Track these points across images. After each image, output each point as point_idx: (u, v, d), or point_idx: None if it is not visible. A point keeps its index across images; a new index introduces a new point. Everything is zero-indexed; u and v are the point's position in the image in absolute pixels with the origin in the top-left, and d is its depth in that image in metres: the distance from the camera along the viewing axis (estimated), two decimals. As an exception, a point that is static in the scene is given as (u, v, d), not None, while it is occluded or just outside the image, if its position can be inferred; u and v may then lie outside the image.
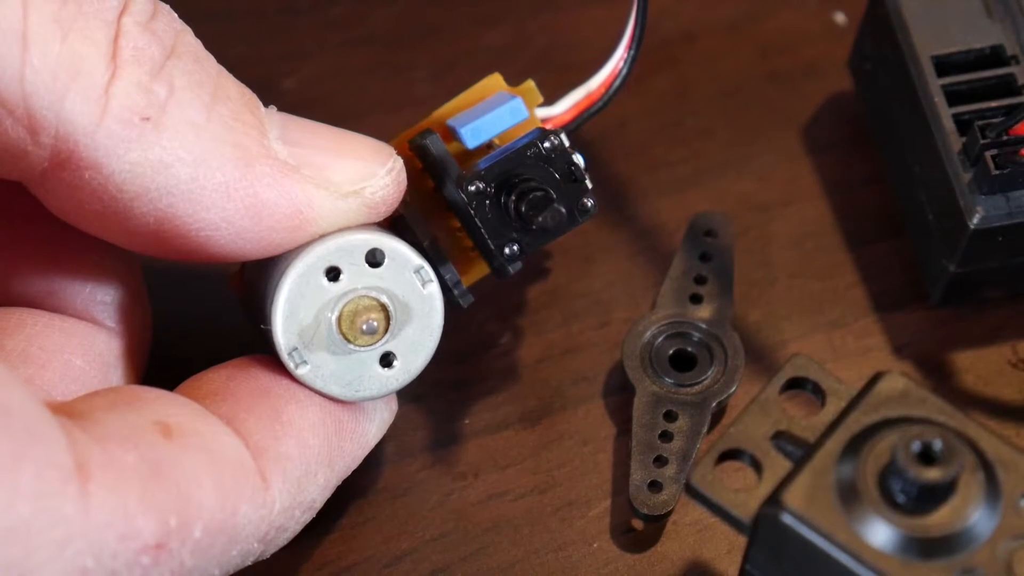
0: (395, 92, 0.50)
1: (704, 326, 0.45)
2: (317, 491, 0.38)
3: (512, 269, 0.41)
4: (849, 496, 0.35)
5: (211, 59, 0.38)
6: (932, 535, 0.35)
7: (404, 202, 0.40)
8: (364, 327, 0.38)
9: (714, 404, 0.44)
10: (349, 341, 0.38)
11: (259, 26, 0.50)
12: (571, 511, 0.43)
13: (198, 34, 0.39)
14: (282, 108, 0.43)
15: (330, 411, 0.39)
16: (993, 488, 0.35)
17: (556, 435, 0.44)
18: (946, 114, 0.44)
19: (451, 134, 0.41)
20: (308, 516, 0.39)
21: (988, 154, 0.43)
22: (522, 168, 0.40)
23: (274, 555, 0.42)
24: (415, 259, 0.39)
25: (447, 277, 0.41)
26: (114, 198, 0.37)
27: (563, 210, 0.39)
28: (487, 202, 0.40)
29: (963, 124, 0.44)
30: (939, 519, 0.35)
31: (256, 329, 0.40)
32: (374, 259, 0.39)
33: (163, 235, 0.37)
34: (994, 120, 0.43)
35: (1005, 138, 0.43)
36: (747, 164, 0.49)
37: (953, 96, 0.44)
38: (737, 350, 0.44)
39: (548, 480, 0.44)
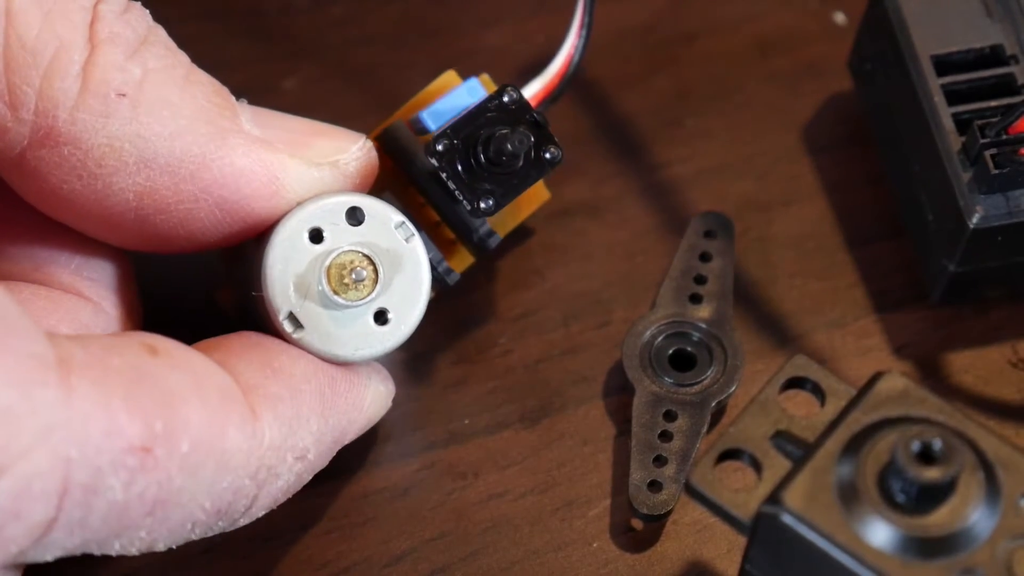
0: (395, 92, 0.50)
1: (704, 326, 0.45)
2: (310, 439, 0.38)
3: (492, 242, 0.42)
4: (849, 496, 0.35)
5: (182, 52, 0.39)
6: (932, 535, 0.35)
7: (379, 189, 0.41)
8: (353, 276, 0.39)
9: (714, 404, 0.44)
10: (339, 296, 0.39)
11: (259, 26, 0.50)
12: (571, 511, 0.43)
13: (197, 34, 0.40)
14: (282, 108, 0.43)
15: (322, 366, 0.39)
16: (993, 488, 0.35)
17: (556, 435, 0.44)
18: (946, 114, 0.44)
19: (414, 127, 0.42)
20: (302, 468, 0.38)
21: (988, 153, 0.43)
22: (485, 123, 0.40)
23: (274, 555, 0.42)
24: (395, 215, 0.40)
25: (429, 255, 0.41)
26: (93, 174, 0.37)
27: (530, 136, 0.40)
28: (456, 160, 0.40)
29: (963, 124, 0.44)
30: (939, 519, 0.35)
31: (247, 320, 0.40)
32: (355, 218, 0.39)
33: (144, 213, 0.38)
34: (994, 120, 0.43)
35: (1004, 137, 0.43)
36: (747, 164, 0.49)
37: (953, 96, 0.44)
38: (737, 350, 0.44)
39: (548, 480, 0.44)
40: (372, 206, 0.40)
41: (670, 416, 0.43)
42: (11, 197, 0.40)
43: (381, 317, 0.39)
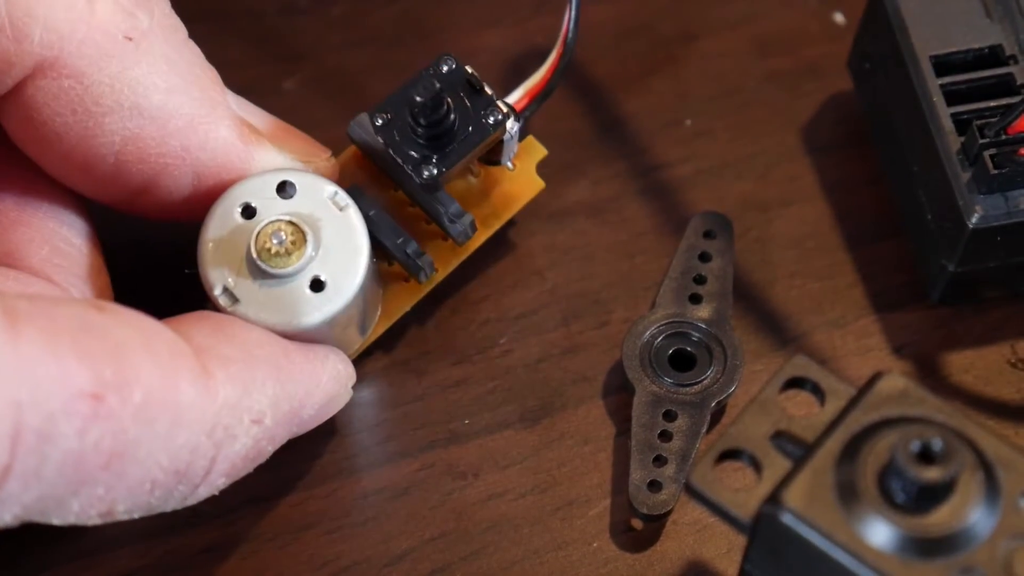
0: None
1: (704, 326, 0.45)
2: (266, 402, 0.38)
3: (460, 232, 0.42)
4: (849, 495, 0.35)
5: (179, 20, 0.40)
6: (931, 535, 0.35)
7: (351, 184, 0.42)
8: (274, 240, 0.39)
9: (713, 404, 0.44)
10: (267, 264, 0.39)
11: (259, 26, 0.50)
12: (571, 511, 0.43)
13: (198, 34, 0.40)
14: (282, 108, 0.43)
15: (274, 337, 0.39)
16: (992, 487, 0.35)
17: (556, 435, 0.44)
18: (945, 114, 0.44)
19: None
20: (259, 433, 0.38)
21: (987, 154, 0.43)
22: (422, 93, 0.40)
23: (274, 555, 0.42)
24: (328, 186, 0.40)
25: (399, 242, 0.42)
26: (88, 111, 0.38)
27: (435, 83, 0.40)
28: (395, 132, 0.41)
29: (962, 124, 0.44)
30: (938, 519, 0.35)
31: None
32: (285, 192, 0.40)
33: (124, 159, 0.39)
34: (993, 120, 0.43)
35: (1004, 137, 0.43)
36: (747, 164, 0.49)
37: (952, 96, 0.44)
38: (736, 350, 0.44)
39: (548, 480, 0.44)
40: (303, 179, 0.40)
41: (670, 416, 0.43)
42: None
43: (317, 285, 0.39)
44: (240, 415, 0.37)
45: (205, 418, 0.36)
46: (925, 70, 0.44)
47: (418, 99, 0.40)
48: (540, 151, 0.45)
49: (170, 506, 0.37)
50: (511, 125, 0.42)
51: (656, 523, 0.43)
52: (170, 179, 0.40)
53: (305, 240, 0.39)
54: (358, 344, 0.43)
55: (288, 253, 0.39)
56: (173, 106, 0.39)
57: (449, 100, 0.41)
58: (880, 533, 0.35)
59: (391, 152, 0.41)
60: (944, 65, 0.45)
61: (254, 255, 0.39)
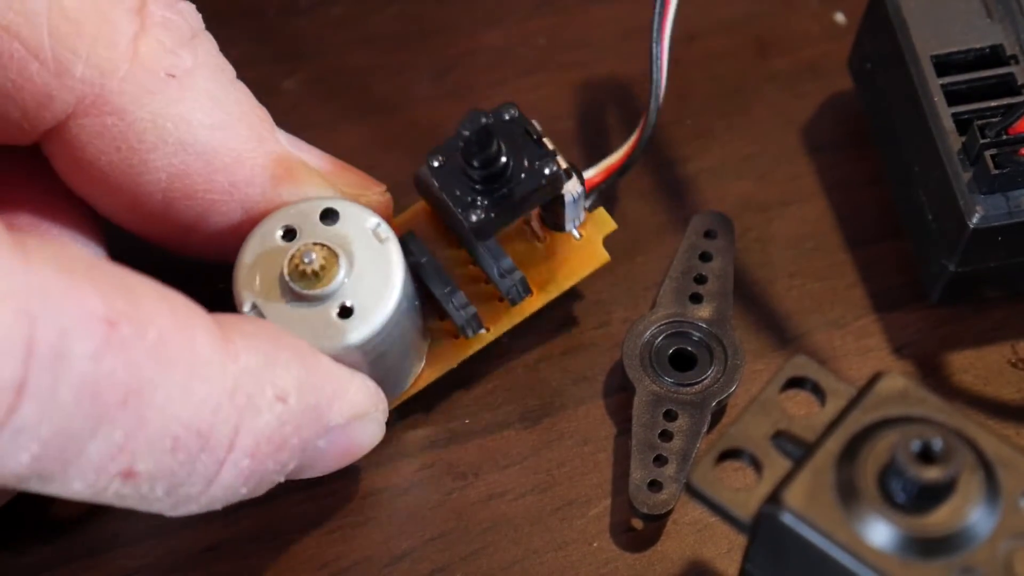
0: (395, 92, 0.50)
1: (704, 326, 0.45)
2: (291, 381, 0.37)
3: (513, 292, 0.42)
4: (849, 495, 0.35)
5: (227, 61, 0.40)
6: (932, 534, 0.35)
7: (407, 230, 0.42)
8: (305, 259, 0.39)
9: (714, 403, 0.44)
10: (297, 285, 0.39)
11: (259, 26, 0.51)
12: (571, 510, 0.43)
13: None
14: (282, 108, 0.43)
15: (302, 341, 0.39)
16: (993, 487, 0.35)
17: (556, 435, 0.44)
18: (946, 114, 0.44)
19: None
20: (284, 412, 0.37)
21: (988, 153, 0.43)
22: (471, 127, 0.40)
23: (274, 555, 0.42)
24: (372, 217, 0.40)
25: (446, 291, 0.41)
26: (132, 148, 0.38)
27: (483, 119, 0.39)
28: (452, 176, 0.40)
29: (963, 124, 0.44)
30: (939, 518, 0.35)
31: None
32: (329, 219, 0.40)
33: (171, 196, 0.39)
34: (993, 120, 0.43)
35: (1004, 137, 0.43)
36: (747, 164, 0.49)
37: (953, 96, 0.44)
38: (737, 349, 0.44)
39: (548, 480, 0.44)
40: (349, 208, 0.40)
41: (670, 416, 0.43)
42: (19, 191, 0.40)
43: (345, 312, 0.39)
44: (263, 386, 0.37)
45: (225, 377, 0.36)
46: (926, 70, 0.44)
47: (464, 133, 0.39)
48: (609, 225, 0.44)
49: (195, 486, 0.36)
50: (574, 187, 0.42)
51: (656, 523, 0.43)
52: (219, 216, 0.40)
53: (338, 265, 0.39)
54: (394, 395, 0.42)
55: (318, 276, 0.39)
56: (218, 142, 0.39)
57: (502, 143, 0.40)
58: (880, 533, 0.35)
59: (444, 195, 0.40)
60: (945, 65, 0.45)
61: (286, 275, 0.39)
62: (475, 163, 0.40)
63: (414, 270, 0.41)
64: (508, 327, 0.43)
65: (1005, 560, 0.35)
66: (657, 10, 0.44)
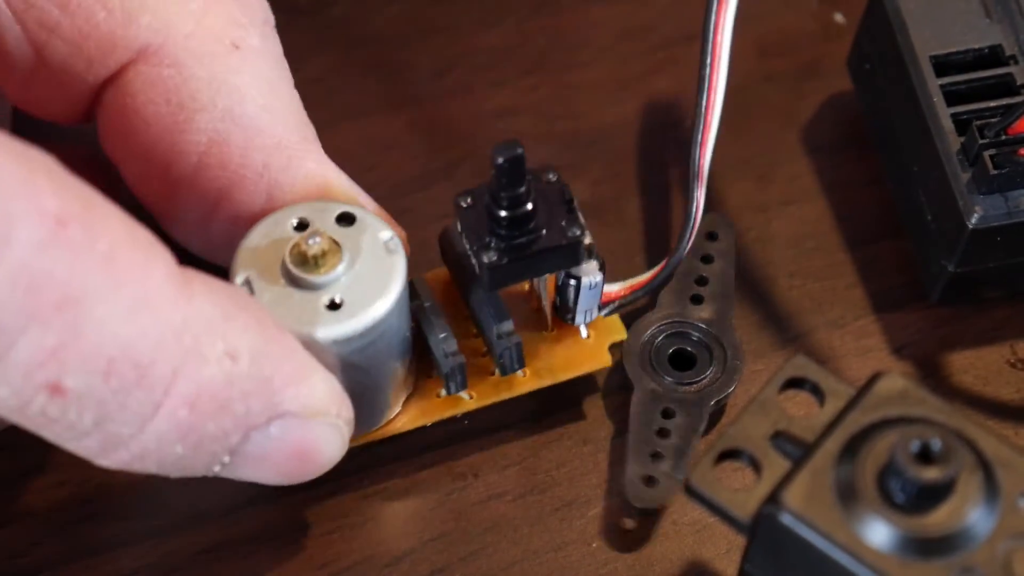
0: (395, 92, 0.50)
1: (704, 326, 0.45)
2: (244, 343, 0.36)
3: (508, 359, 0.41)
4: (848, 496, 0.35)
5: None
6: (931, 535, 0.35)
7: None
8: (309, 241, 0.38)
9: (712, 403, 0.44)
10: (295, 267, 0.38)
11: (259, 26, 0.50)
12: (570, 511, 0.43)
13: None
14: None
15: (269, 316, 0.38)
16: (992, 488, 0.35)
17: (556, 435, 0.44)
18: (945, 114, 0.44)
19: None
20: (232, 369, 0.36)
21: (987, 154, 0.43)
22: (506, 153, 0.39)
23: (274, 555, 0.42)
24: (386, 231, 0.40)
25: (441, 337, 0.41)
26: (182, 103, 0.39)
27: (518, 149, 0.39)
28: (473, 217, 0.40)
29: (962, 124, 0.44)
30: (938, 519, 0.35)
31: None
32: (344, 221, 0.39)
33: (205, 162, 0.39)
34: (992, 120, 0.43)
35: (1003, 138, 0.43)
36: (747, 164, 0.49)
37: (952, 96, 0.44)
38: (737, 350, 0.44)
39: (548, 480, 0.44)
40: (367, 217, 0.40)
41: (668, 414, 0.43)
42: None
43: (334, 306, 0.39)
44: (213, 337, 0.35)
45: (174, 313, 0.35)
46: (925, 70, 0.44)
47: (499, 160, 0.38)
48: (620, 333, 0.44)
49: (127, 425, 0.35)
50: (593, 273, 0.41)
51: (648, 520, 0.43)
52: (244, 195, 0.40)
53: (340, 259, 0.39)
54: (363, 428, 0.41)
55: (317, 263, 0.39)
56: (264, 123, 0.39)
57: (532, 188, 0.39)
58: (879, 533, 0.35)
59: (463, 235, 0.40)
60: (944, 65, 0.45)
61: (286, 258, 0.39)
62: (502, 197, 0.39)
63: (414, 313, 0.41)
64: (492, 400, 0.43)
65: (1004, 560, 0.35)
66: (698, 128, 0.45)
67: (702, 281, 0.46)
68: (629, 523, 0.43)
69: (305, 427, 0.38)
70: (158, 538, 0.42)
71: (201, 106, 0.39)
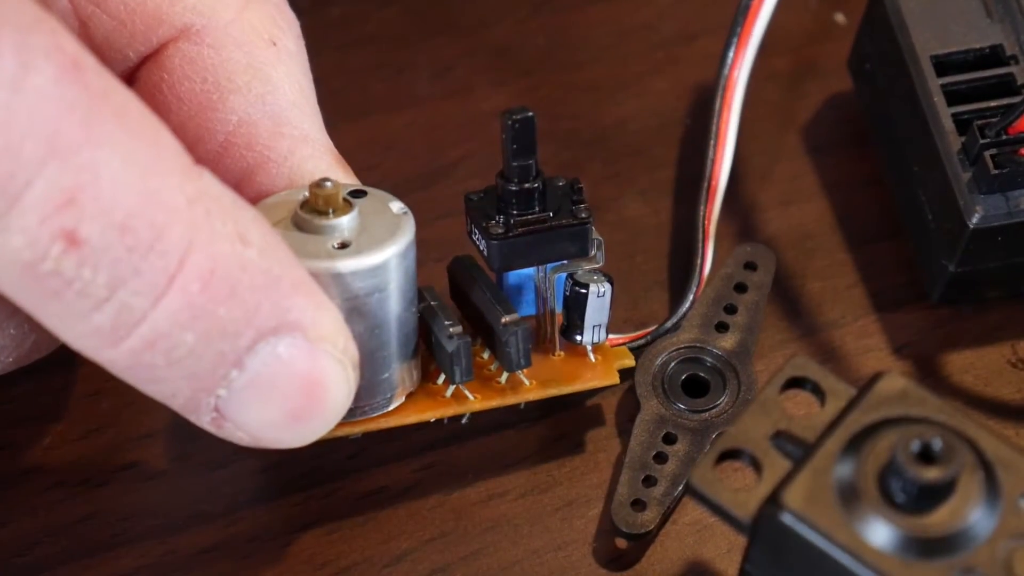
0: (395, 92, 0.50)
1: (723, 355, 0.44)
2: (255, 231, 0.35)
3: (513, 338, 0.40)
4: (849, 496, 0.35)
5: None
6: (932, 535, 0.35)
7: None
8: (324, 184, 0.38)
9: (716, 434, 0.43)
10: (306, 212, 0.38)
11: (259, 26, 0.50)
12: (571, 511, 0.43)
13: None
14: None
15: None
16: (992, 488, 0.35)
17: (556, 435, 0.44)
18: (945, 114, 0.44)
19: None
20: (243, 252, 0.35)
21: (987, 154, 0.43)
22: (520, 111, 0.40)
23: (274, 555, 0.42)
24: (396, 202, 0.40)
25: (448, 327, 0.40)
26: (218, 83, 0.40)
27: (529, 112, 0.39)
28: (481, 203, 0.40)
29: (962, 124, 0.44)
30: (939, 519, 0.35)
31: None
32: (357, 195, 0.39)
33: (232, 142, 0.40)
34: (993, 120, 0.43)
35: (1004, 137, 0.43)
36: (747, 164, 0.49)
37: (952, 96, 0.44)
38: (752, 384, 0.44)
39: (548, 480, 0.44)
40: (378, 193, 0.40)
41: (669, 439, 0.43)
42: None
43: (343, 246, 0.38)
44: (225, 216, 0.35)
45: (186, 183, 0.34)
46: (925, 70, 0.44)
47: (509, 121, 0.39)
48: (628, 360, 0.43)
49: (140, 296, 0.34)
50: (601, 284, 0.41)
51: (636, 543, 0.42)
52: (266, 178, 0.40)
53: (351, 211, 0.39)
54: (367, 400, 0.41)
55: (327, 210, 0.38)
56: (293, 116, 0.40)
57: (543, 177, 0.40)
58: (880, 533, 0.35)
59: (470, 220, 0.40)
60: (944, 65, 0.45)
61: (298, 209, 0.39)
62: (513, 167, 0.39)
63: (421, 313, 0.41)
64: (494, 404, 0.42)
65: (1005, 560, 0.35)
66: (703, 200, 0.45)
67: (731, 309, 0.45)
68: (622, 543, 0.43)
69: (313, 355, 0.37)
70: (158, 538, 0.42)
71: (236, 88, 0.40)
